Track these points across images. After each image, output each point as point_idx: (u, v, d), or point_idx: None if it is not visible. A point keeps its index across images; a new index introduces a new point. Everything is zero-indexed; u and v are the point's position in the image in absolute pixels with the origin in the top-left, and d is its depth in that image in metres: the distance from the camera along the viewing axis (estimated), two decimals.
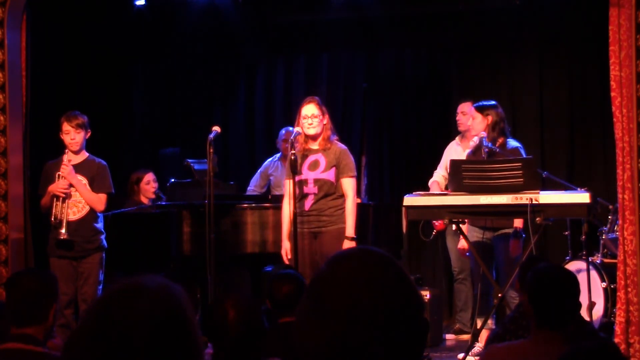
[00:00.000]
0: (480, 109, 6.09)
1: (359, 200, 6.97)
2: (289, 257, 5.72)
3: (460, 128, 7.03)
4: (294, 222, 5.66)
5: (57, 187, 5.80)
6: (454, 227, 6.83)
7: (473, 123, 6.11)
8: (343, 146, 5.89)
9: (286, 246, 5.75)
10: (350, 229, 5.67)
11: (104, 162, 6.02)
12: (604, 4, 5.71)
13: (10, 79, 5.79)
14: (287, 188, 5.85)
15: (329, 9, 8.20)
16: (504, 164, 5.41)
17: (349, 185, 5.77)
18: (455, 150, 6.92)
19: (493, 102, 6.22)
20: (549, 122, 8.21)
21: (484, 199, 5.31)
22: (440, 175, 6.99)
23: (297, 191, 5.77)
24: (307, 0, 8.49)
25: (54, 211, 5.79)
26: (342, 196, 5.78)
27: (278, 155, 7.53)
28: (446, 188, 6.97)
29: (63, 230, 5.75)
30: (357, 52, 8.74)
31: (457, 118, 7.09)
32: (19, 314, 3.18)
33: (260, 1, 8.39)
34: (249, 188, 7.40)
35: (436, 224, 7.02)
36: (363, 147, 8.62)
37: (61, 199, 5.80)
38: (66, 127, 5.84)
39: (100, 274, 5.86)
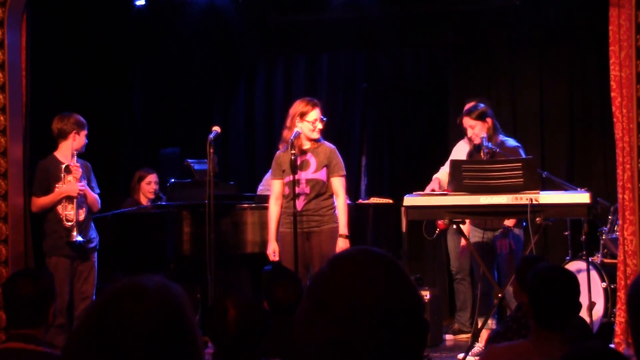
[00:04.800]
0: (481, 117, 6.11)
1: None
2: (277, 257, 5.75)
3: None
4: (294, 220, 5.67)
5: (75, 189, 5.79)
6: (454, 226, 6.85)
7: (474, 132, 6.11)
8: (332, 145, 5.91)
9: (273, 247, 5.77)
10: (343, 228, 5.70)
11: (88, 162, 6.05)
12: (604, 4, 5.70)
13: (10, 79, 5.79)
14: (275, 188, 5.88)
15: (329, 9, 8.20)
16: (504, 164, 5.41)
17: (339, 184, 5.80)
18: (465, 148, 6.93)
19: (483, 105, 6.24)
20: (549, 122, 8.21)
21: (484, 199, 5.31)
22: (445, 172, 6.98)
23: (288, 191, 5.79)
24: (307, 0, 8.49)
25: (64, 213, 5.78)
26: (332, 196, 5.82)
27: None
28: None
29: (75, 233, 5.76)
30: (357, 52, 8.74)
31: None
32: (17, 319, 3.15)
33: (260, 1, 8.39)
34: (259, 187, 7.34)
35: (439, 222, 7.02)
36: (363, 147, 8.64)
37: (75, 201, 5.80)
38: (85, 132, 5.90)
39: (96, 273, 5.89)
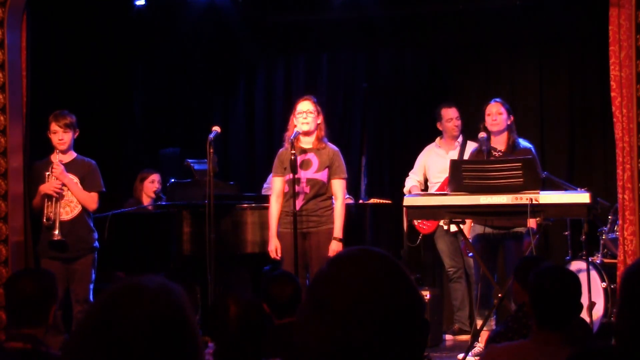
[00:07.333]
0: (508, 110, 6.19)
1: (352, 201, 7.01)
2: (279, 255, 5.74)
3: (455, 133, 7.11)
4: (294, 220, 5.66)
5: (50, 187, 5.74)
6: (445, 227, 6.89)
7: (500, 118, 6.12)
8: (335, 147, 5.92)
9: (275, 244, 5.77)
10: (338, 230, 5.71)
11: (93, 161, 5.98)
12: (604, 4, 5.71)
13: (10, 79, 5.78)
14: (276, 186, 5.88)
15: (329, 9, 8.20)
16: (504, 164, 5.41)
17: (339, 186, 5.81)
18: (437, 154, 7.01)
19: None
20: (549, 122, 8.21)
21: (484, 199, 5.31)
22: (415, 180, 7.05)
23: (287, 189, 5.79)
24: (307, 0, 8.49)
25: (46, 212, 5.74)
26: (331, 197, 5.82)
27: None
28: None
29: (56, 232, 5.70)
30: (357, 52, 8.74)
31: (456, 124, 7.14)
32: (19, 317, 3.15)
33: (260, 1, 8.39)
34: (265, 185, 7.33)
35: (424, 227, 7.05)
36: (363, 147, 8.63)
37: (54, 199, 5.76)
38: (54, 127, 5.78)
39: (92, 274, 5.80)
